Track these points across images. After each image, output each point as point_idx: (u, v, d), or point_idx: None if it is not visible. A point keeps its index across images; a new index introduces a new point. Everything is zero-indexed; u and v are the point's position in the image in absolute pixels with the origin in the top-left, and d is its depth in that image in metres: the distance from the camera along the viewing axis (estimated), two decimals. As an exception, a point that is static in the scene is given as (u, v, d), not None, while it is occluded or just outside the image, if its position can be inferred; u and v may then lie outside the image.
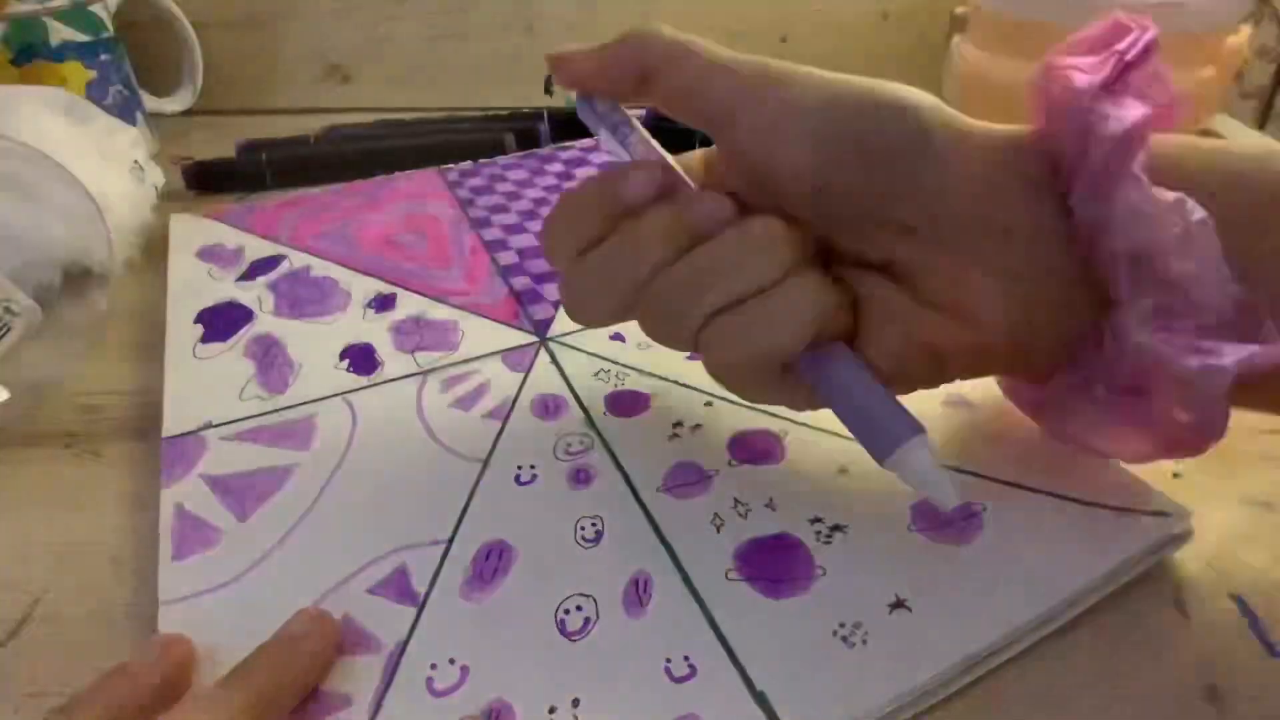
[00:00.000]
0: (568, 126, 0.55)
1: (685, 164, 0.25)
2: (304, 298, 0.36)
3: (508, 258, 0.39)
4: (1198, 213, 0.20)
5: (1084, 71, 0.22)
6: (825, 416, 0.27)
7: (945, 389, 0.26)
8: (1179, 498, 0.25)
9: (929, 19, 0.61)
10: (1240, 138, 0.49)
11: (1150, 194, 0.20)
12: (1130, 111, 0.20)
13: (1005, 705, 0.21)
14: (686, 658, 0.21)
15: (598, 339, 0.33)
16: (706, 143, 0.50)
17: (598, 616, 0.22)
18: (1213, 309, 0.20)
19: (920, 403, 0.26)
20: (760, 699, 0.20)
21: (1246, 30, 0.46)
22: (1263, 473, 0.27)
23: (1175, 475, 0.27)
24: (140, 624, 0.23)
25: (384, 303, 0.35)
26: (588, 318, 0.25)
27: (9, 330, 0.31)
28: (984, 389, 0.28)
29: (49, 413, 0.31)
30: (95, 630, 0.23)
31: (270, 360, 0.32)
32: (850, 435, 0.23)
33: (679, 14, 0.60)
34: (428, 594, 0.23)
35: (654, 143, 0.25)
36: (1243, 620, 0.23)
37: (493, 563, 0.24)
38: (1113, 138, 0.20)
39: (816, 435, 0.28)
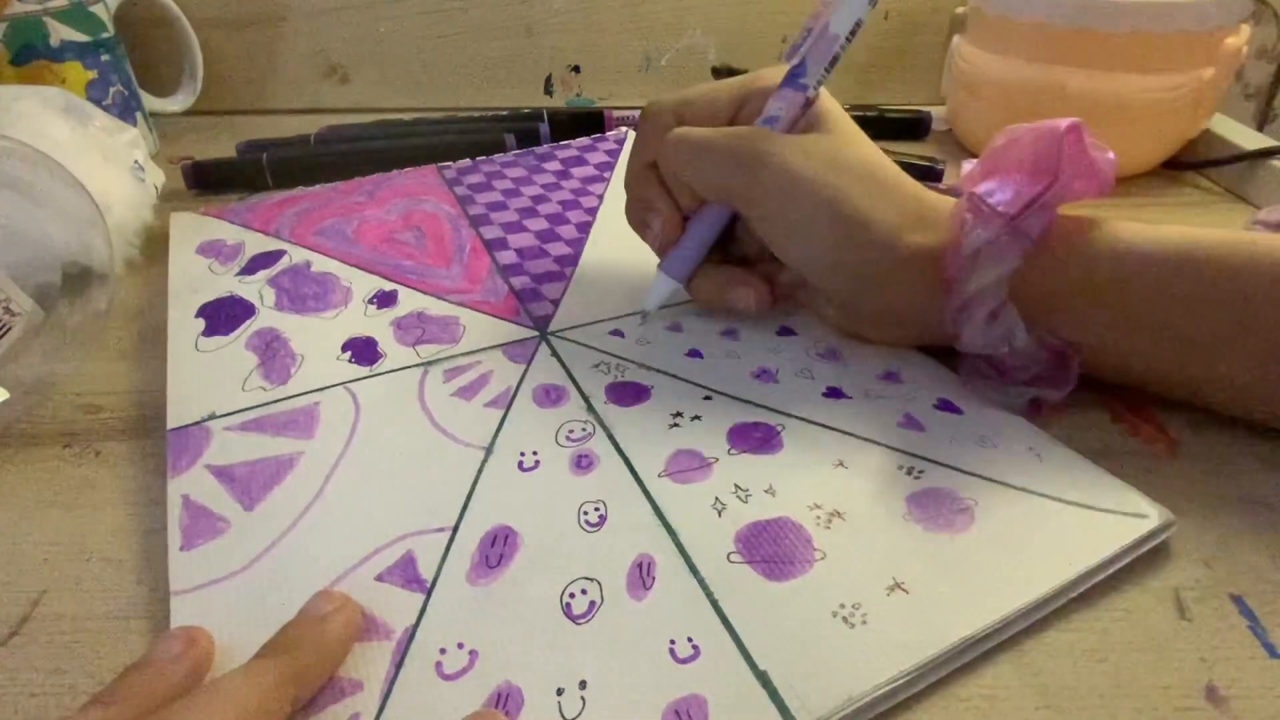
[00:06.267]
0: (567, 126, 0.55)
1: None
2: (305, 293, 0.36)
3: (507, 257, 0.39)
4: (1021, 335, 0.28)
5: (992, 212, 0.28)
6: (822, 413, 0.28)
7: (937, 396, 0.30)
8: (1180, 497, 0.25)
9: (929, 19, 0.61)
10: (1239, 137, 0.49)
11: (983, 327, 0.28)
12: (992, 270, 0.27)
13: (1005, 704, 0.21)
14: (690, 639, 0.21)
15: (597, 334, 0.33)
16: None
17: (602, 600, 0.22)
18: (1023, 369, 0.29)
19: (915, 405, 0.29)
20: (763, 678, 0.20)
21: (1246, 30, 0.46)
22: (1262, 474, 0.27)
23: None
24: (141, 623, 0.23)
25: (385, 299, 0.35)
26: None
27: (9, 330, 0.30)
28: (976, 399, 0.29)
29: (49, 413, 0.31)
30: (95, 630, 0.23)
31: (272, 353, 0.32)
32: (845, 430, 0.28)
33: (677, 16, 0.61)
34: (435, 580, 0.23)
35: None
36: (1243, 620, 0.23)
37: (498, 548, 0.24)
38: (974, 293, 0.28)
39: (814, 430, 0.28)
